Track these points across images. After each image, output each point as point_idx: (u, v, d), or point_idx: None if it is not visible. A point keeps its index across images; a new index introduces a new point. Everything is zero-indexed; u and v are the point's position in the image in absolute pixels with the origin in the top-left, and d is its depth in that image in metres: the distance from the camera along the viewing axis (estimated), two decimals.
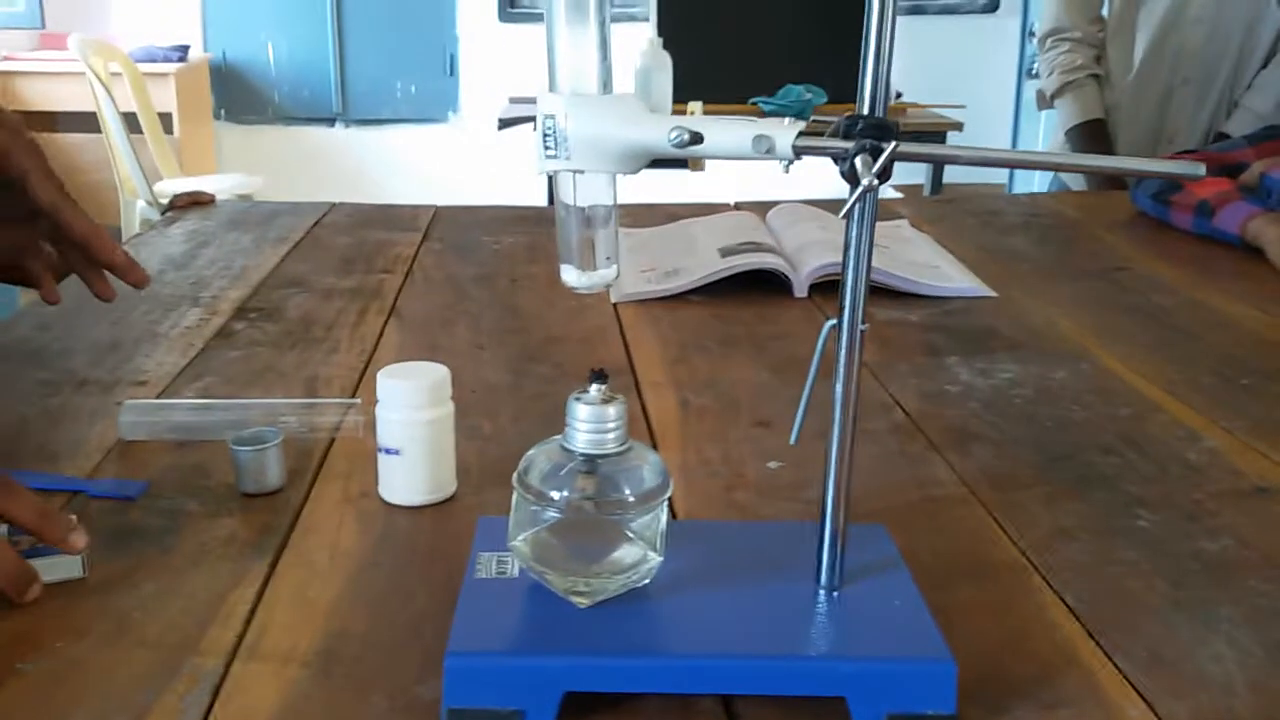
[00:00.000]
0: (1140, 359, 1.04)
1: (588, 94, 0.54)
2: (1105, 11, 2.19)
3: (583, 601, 0.56)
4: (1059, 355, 1.06)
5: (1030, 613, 0.64)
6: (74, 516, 0.67)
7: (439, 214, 1.61)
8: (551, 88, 0.55)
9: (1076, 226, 1.60)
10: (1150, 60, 2.10)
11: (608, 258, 0.58)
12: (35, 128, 4.36)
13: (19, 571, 0.62)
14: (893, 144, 0.50)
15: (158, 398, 0.93)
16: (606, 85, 0.55)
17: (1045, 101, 2.25)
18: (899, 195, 3.15)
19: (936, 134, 3.13)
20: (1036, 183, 2.34)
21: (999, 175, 4.51)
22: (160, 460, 0.81)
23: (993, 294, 1.23)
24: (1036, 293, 1.25)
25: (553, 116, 0.54)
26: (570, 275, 0.58)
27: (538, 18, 4.62)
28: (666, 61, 2.91)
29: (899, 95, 3.33)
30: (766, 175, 0.57)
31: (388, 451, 0.75)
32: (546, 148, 0.55)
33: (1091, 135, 2.15)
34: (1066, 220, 1.64)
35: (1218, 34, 2.06)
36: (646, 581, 0.58)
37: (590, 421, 0.57)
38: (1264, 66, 2.08)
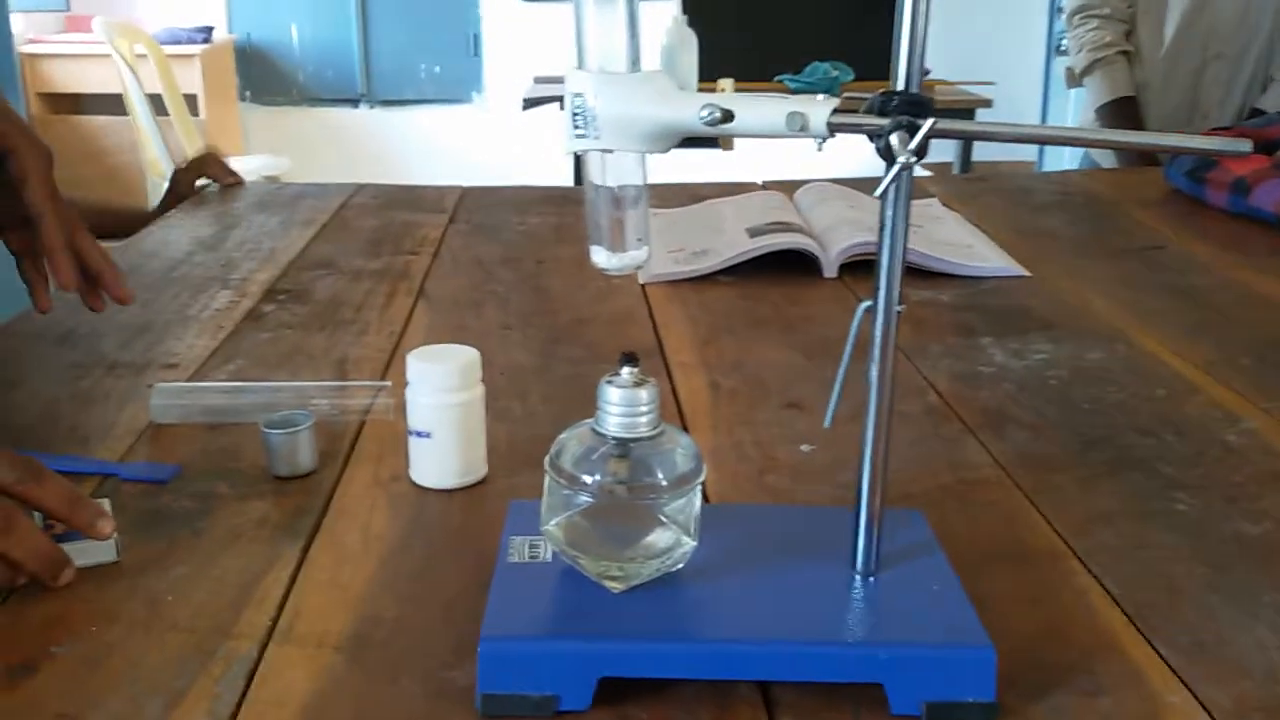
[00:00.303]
0: (1176, 339, 1.03)
1: (617, 72, 0.54)
2: None
3: (616, 586, 0.56)
4: (1094, 336, 1.04)
5: (1069, 598, 0.63)
6: (105, 501, 0.67)
7: (465, 195, 1.61)
8: (580, 65, 0.54)
9: (1110, 204, 1.58)
10: (1182, 36, 2.06)
11: (638, 239, 0.57)
12: (61, 110, 4.39)
13: (51, 556, 0.62)
14: (930, 120, 0.49)
15: (188, 380, 0.93)
16: (635, 63, 0.54)
17: (1074, 79, 2.22)
18: (928, 174, 3.13)
19: (966, 111, 3.10)
20: (1066, 159, 2.31)
21: (1028, 153, 4.47)
22: (192, 443, 0.81)
23: (1026, 273, 1.22)
24: (1070, 272, 1.24)
25: (581, 95, 0.53)
26: (600, 257, 0.58)
27: None
28: (691, 39, 2.89)
29: (928, 72, 3.29)
30: (794, 155, 0.56)
31: (418, 435, 0.74)
32: (576, 127, 0.54)
33: (1121, 113, 2.11)
34: (1099, 198, 1.62)
35: (1251, 8, 2.02)
36: (680, 566, 0.57)
37: (622, 405, 0.56)
38: None
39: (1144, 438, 0.83)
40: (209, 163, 1.61)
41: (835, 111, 0.51)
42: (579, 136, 0.54)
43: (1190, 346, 1.01)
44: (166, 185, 1.58)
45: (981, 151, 3.36)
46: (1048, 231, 1.43)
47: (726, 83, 2.67)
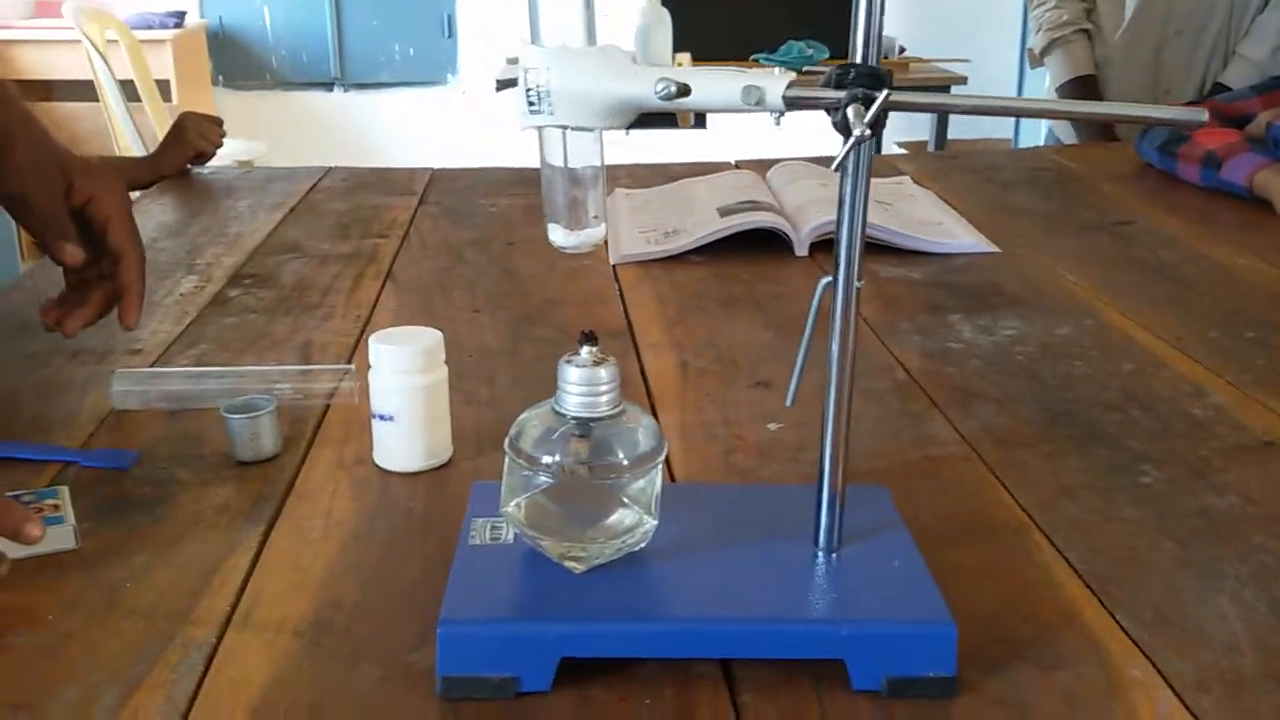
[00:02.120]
0: (1145, 314, 1.03)
1: (572, 47, 0.53)
2: None
3: (578, 567, 0.55)
4: (1062, 311, 1.04)
5: (1032, 573, 0.63)
6: (64, 489, 0.66)
7: (435, 177, 1.60)
8: (534, 41, 0.53)
9: (1080, 180, 1.58)
10: (1142, 12, 2.06)
11: (595, 216, 0.57)
12: (32, 97, 4.32)
13: None
14: (884, 92, 0.49)
15: (151, 366, 0.92)
16: (591, 38, 0.54)
17: (1035, 59, 2.21)
18: (903, 152, 3.13)
19: (940, 88, 3.10)
20: (1042, 137, 2.31)
21: (1004, 131, 4.46)
22: (153, 430, 0.80)
23: (996, 250, 1.22)
24: (1040, 248, 1.24)
25: (536, 70, 0.53)
26: (558, 235, 0.57)
27: None
28: (666, 18, 2.87)
29: (902, 50, 3.29)
30: (769, 135, 0.55)
31: (382, 418, 0.74)
32: (530, 103, 0.53)
33: (1082, 91, 2.11)
34: (1070, 174, 1.62)
35: None
36: (642, 545, 0.57)
37: (582, 384, 0.55)
38: (1260, 13, 2.05)
39: (1110, 412, 0.83)
40: (188, 123, 1.59)
41: (791, 85, 0.50)
42: (534, 112, 0.54)
43: (1158, 321, 1.01)
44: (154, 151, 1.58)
45: (957, 130, 3.35)
46: (1018, 208, 1.43)
47: (684, 56, 2.66)
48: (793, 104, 0.50)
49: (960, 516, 0.69)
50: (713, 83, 0.51)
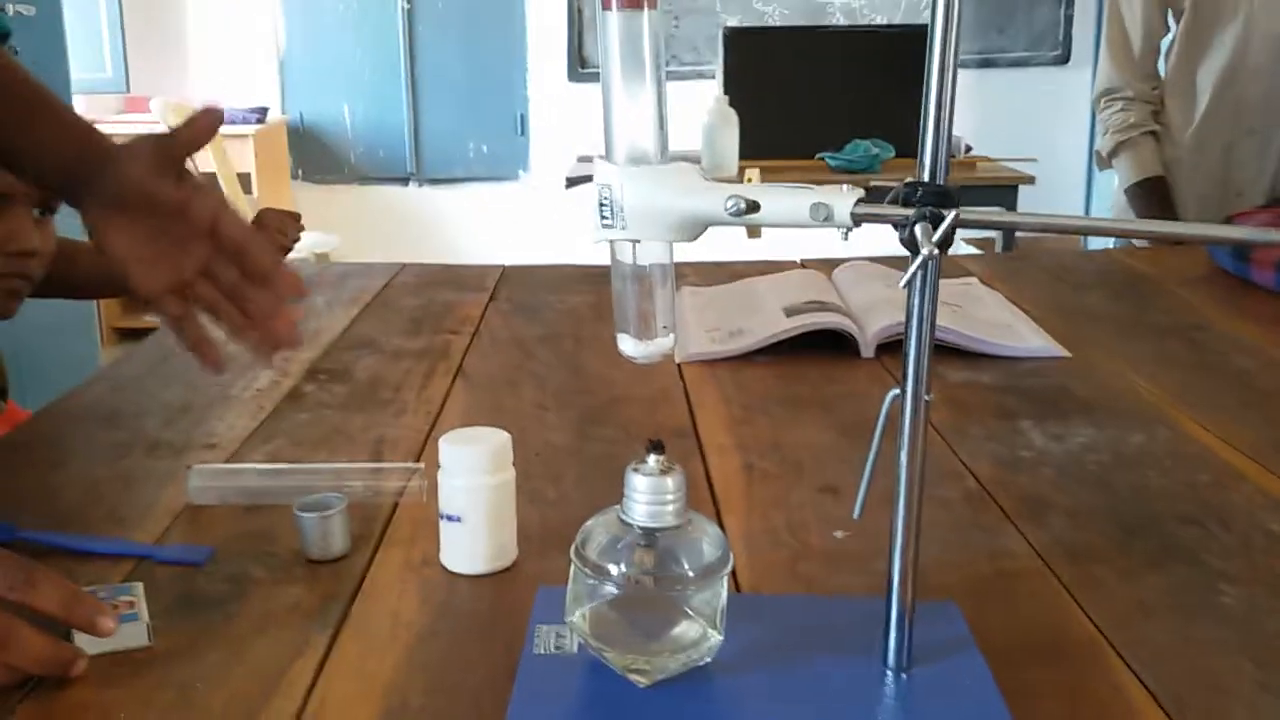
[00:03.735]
0: (1221, 423, 1.01)
1: (644, 162, 0.54)
2: (1162, 67, 2.15)
3: (642, 680, 0.55)
4: (1136, 418, 1.02)
5: (1107, 695, 0.61)
6: (139, 585, 0.67)
7: (506, 274, 1.63)
8: (608, 156, 0.55)
9: (1152, 283, 1.56)
10: (1211, 113, 2.05)
11: (664, 326, 0.58)
12: None
13: (56, 658, 0.62)
14: (953, 212, 0.49)
15: (227, 461, 0.94)
16: (663, 153, 0.55)
17: (1103, 162, 2.21)
18: (971, 250, 3.12)
19: (1008, 187, 3.10)
20: (1114, 239, 2.29)
21: None
22: (227, 525, 0.82)
23: (1066, 354, 1.20)
24: (1112, 352, 1.22)
25: (609, 186, 0.54)
26: (628, 345, 0.58)
27: None
28: (733, 118, 2.92)
29: (969, 149, 3.30)
30: (832, 234, 0.55)
31: (449, 518, 0.74)
32: (603, 217, 0.55)
33: (1151, 192, 2.10)
34: (1141, 277, 1.61)
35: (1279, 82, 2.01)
36: (708, 660, 0.56)
37: (648, 494, 0.56)
38: None
39: (1188, 526, 0.81)
40: (268, 220, 1.63)
41: (860, 202, 0.51)
42: (606, 226, 0.55)
43: (1235, 431, 0.99)
44: None
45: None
46: (1089, 311, 1.42)
47: (753, 173, 2.70)
48: (861, 220, 0.51)
49: (1033, 634, 0.67)
50: (781, 200, 0.52)
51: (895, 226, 0.51)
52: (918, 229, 0.50)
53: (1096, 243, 2.58)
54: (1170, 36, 2.13)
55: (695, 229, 0.54)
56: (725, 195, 0.53)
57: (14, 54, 1.16)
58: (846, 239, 0.53)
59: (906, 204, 0.51)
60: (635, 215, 0.54)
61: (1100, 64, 2.20)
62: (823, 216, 0.51)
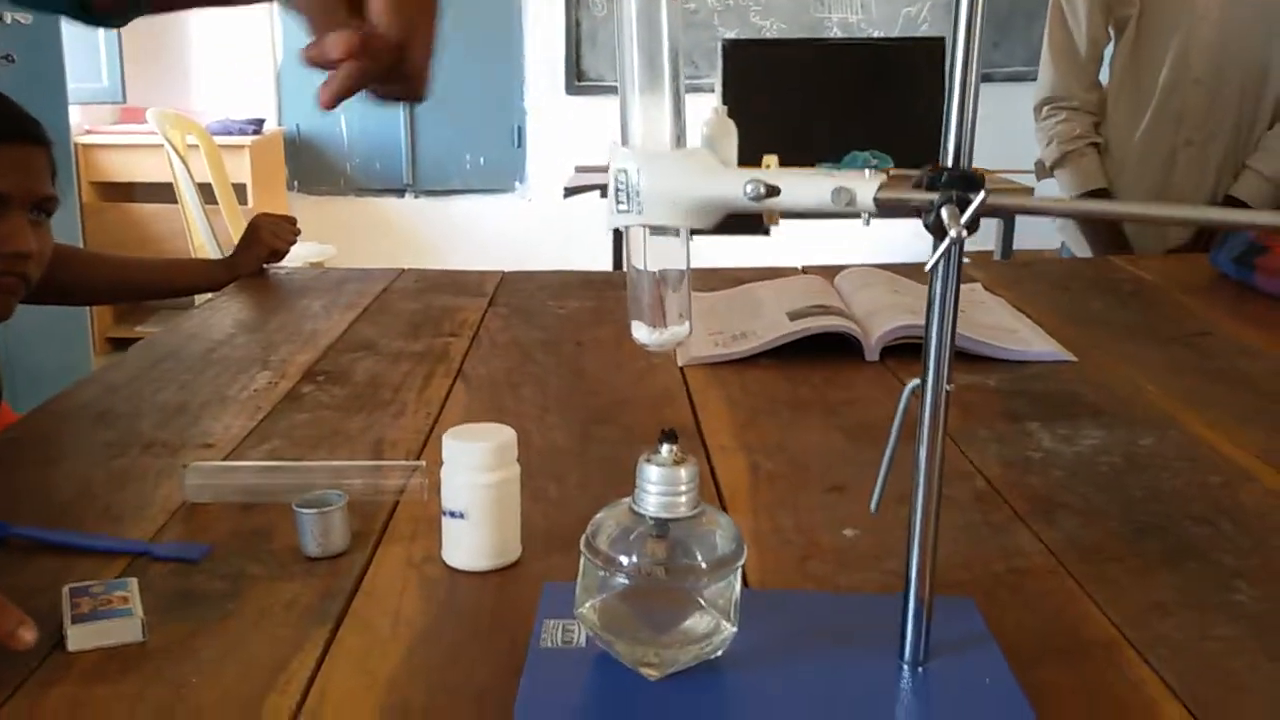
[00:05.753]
0: (1230, 426, 1.00)
1: (661, 148, 0.53)
2: (1103, 77, 2.14)
3: (653, 674, 0.54)
4: (1145, 421, 1.01)
5: (1125, 691, 0.60)
6: (133, 580, 0.66)
7: (505, 279, 1.61)
8: (624, 143, 0.54)
9: (1155, 290, 1.56)
10: (1154, 124, 2.05)
11: (680, 315, 0.56)
12: (114, 198, 4.49)
13: None
14: (982, 193, 0.48)
15: (224, 460, 0.93)
16: (680, 141, 0.54)
17: (1045, 172, 2.20)
18: (968, 260, 3.11)
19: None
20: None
21: (1054, 240, 4.44)
22: (225, 523, 0.80)
23: (1072, 358, 1.19)
24: (1117, 357, 1.21)
25: (625, 171, 0.53)
26: (641, 333, 0.57)
27: (603, 90, 4.67)
28: (732, 129, 2.91)
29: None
30: (834, 240, 0.55)
31: (452, 515, 0.73)
32: (619, 203, 0.53)
33: None
34: (1144, 284, 1.60)
35: (1220, 95, 2.01)
36: (720, 654, 0.55)
37: (661, 484, 0.55)
38: (1270, 128, 2.03)
39: (1200, 526, 0.80)
40: (262, 224, 1.63)
41: (883, 187, 0.50)
42: (622, 212, 0.54)
43: (1243, 433, 0.98)
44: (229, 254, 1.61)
45: (1021, 240, 3.34)
46: (1093, 316, 1.41)
47: (771, 159, 2.67)
48: (884, 205, 0.50)
49: (1049, 632, 0.66)
50: (802, 184, 0.51)
51: (920, 212, 0.50)
52: (944, 211, 0.49)
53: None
54: (1111, 47, 2.12)
55: (713, 214, 0.53)
56: (744, 179, 0.51)
57: (10, 63, 1.13)
58: (868, 224, 0.52)
59: (931, 189, 0.50)
60: (652, 200, 0.53)
61: (1042, 71, 2.17)
62: (845, 201, 0.50)
